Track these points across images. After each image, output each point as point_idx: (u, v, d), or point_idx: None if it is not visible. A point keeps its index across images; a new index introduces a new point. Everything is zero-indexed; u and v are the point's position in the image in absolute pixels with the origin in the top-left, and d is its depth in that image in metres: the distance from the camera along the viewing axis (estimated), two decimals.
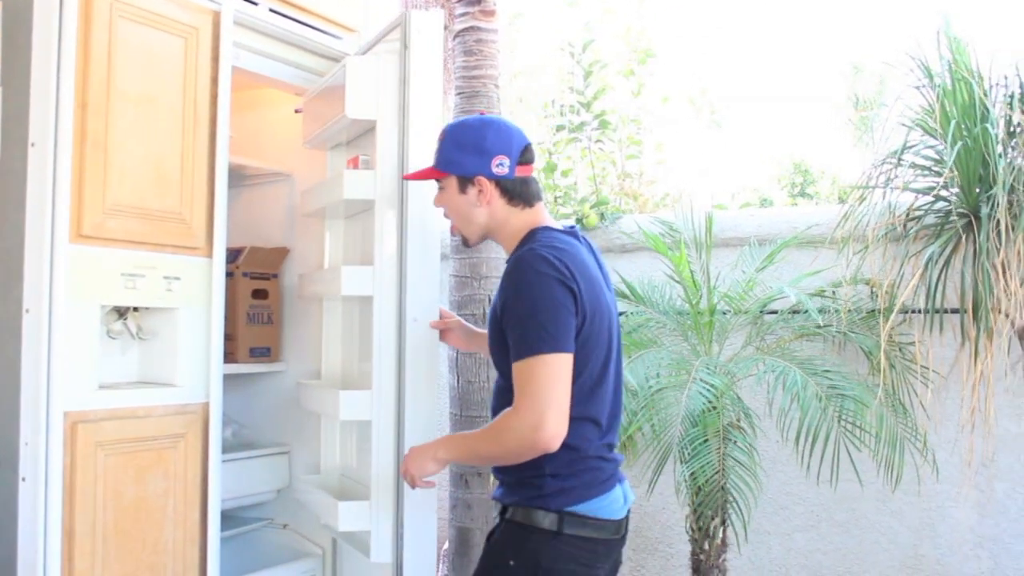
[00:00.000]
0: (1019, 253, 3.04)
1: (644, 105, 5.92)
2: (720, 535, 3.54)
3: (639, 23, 6.53)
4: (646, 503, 4.19)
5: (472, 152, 2.30)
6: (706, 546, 3.54)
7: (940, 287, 3.28)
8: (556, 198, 5.50)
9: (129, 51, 2.51)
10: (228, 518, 3.11)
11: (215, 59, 2.75)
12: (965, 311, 3.24)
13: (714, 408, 3.23)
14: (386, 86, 2.83)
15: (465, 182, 2.31)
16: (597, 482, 2.18)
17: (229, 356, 3.27)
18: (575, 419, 2.11)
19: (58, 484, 2.31)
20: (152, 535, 2.53)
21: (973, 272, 3.18)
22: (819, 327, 3.61)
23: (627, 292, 3.91)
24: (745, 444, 3.29)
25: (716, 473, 3.21)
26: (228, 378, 2.85)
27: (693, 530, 3.56)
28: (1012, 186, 3.09)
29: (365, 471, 2.87)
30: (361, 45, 3.18)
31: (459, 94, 4.22)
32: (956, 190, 3.29)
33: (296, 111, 3.44)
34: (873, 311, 3.54)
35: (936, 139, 3.34)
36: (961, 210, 3.24)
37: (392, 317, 2.76)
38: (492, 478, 2.69)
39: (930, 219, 3.42)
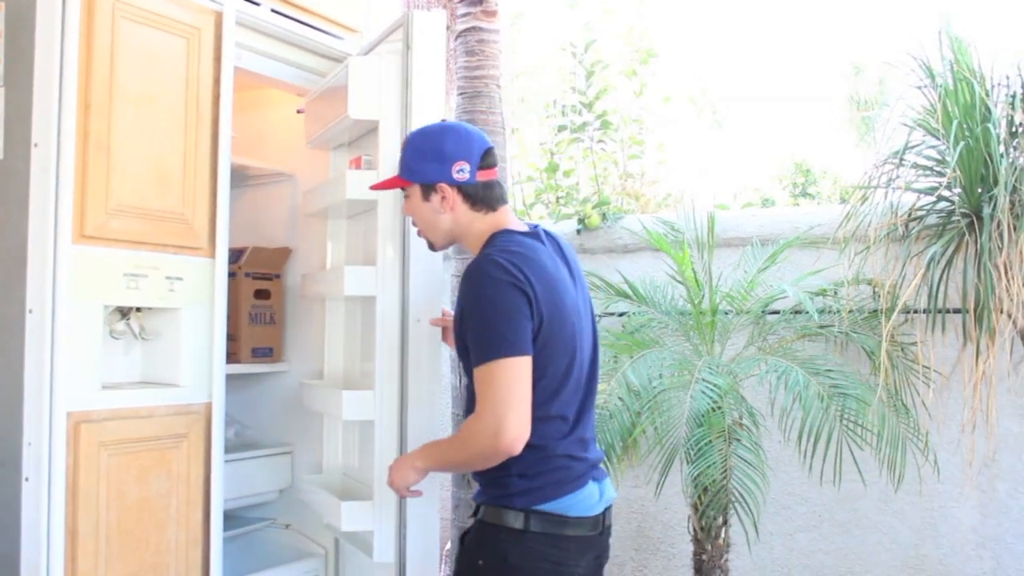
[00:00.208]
0: (1021, 253, 3.03)
1: (646, 105, 5.93)
2: (723, 535, 3.54)
3: (640, 23, 6.53)
4: (650, 504, 4.19)
5: (433, 159, 2.31)
6: (708, 546, 3.54)
7: (942, 287, 3.28)
8: (558, 198, 5.51)
9: (131, 51, 2.51)
10: (231, 518, 3.11)
11: (217, 59, 2.75)
12: (967, 311, 3.24)
13: (718, 408, 3.23)
14: (388, 86, 2.83)
15: (428, 189, 2.32)
16: (565, 480, 2.19)
17: (232, 356, 3.27)
18: (540, 419, 2.14)
19: (61, 484, 2.32)
20: (155, 535, 2.53)
21: (975, 272, 3.18)
22: (821, 327, 3.61)
23: (629, 292, 3.91)
24: (751, 443, 3.29)
25: (722, 473, 3.21)
26: (231, 378, 2.86)
27: (696, 530, 3.56)
28: (1014, 186, 3.09)
29: (368, 471, 2.87)
30: (363, 45, 3.18)
31: (461, 94, 4.22)
32: (958, 190, 3.29)
33: (298, 111, 3.44)
34: (875, 311, 3.54)
35: (938, 139, 3.34)
36: (963, 210, 3.24)
37: (395, 317, 2.76)
38: None
39: (932, 219, 3.42)
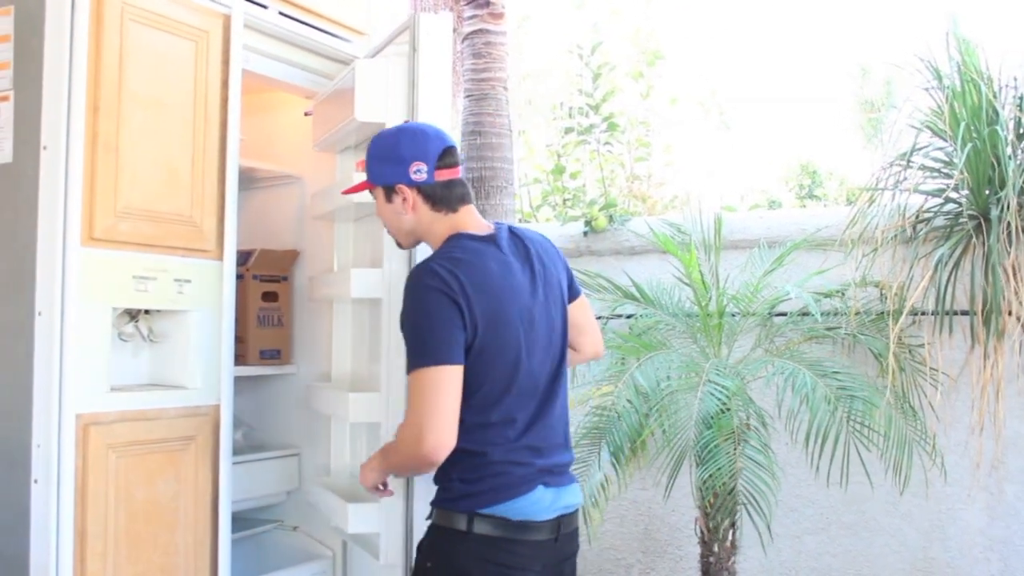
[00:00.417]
0: None
1: (653, 107, 5.93)
2: (730, 537, 3.53)
3: (647, 25, 6.54)
4: (657, 506, 4.19)
5: (390, 161, 2.31)
6: (716, 549, 3.54)
7: (950, 289, 3.28)
8: (565, 200, 5.51)
9: (140, 54, 2.52)
10: (238, 520, 3.11)
11: (225, 62, 2.76)
12: (975, 313, 3.23)
13: (727, 410, 3.23)
14: (395, 89, 2.83)
15: (389, 191, 2.32)
16: (505, 486, 2.17)
17: (239, 358, 3.27)
18: (480, 425, 2.16)
19: (70, 486, 2.32)
20: (163, 537, 2.54)
21: (983, 274, 3.17)
22: (828, 329, 3.60)
23: (636, 294, 3.90)
24: (760, 444, 3.28)
25: (731, 475, 3.21)
26: (238, 380, 2.86)
27: (703, 532, 3.56)
28: (1022, 188, 3.09)
29: None
30: (370, 48, 3.18)
31: (468, 96, 4.23)
32: (966, 192, 3.29)
33: (306, 114, 3.44)
34: (882, 313, 3.53)
35: (945, 141, 3.33)
36: (971, 212, 3.24)
37: None
38: None
39: (940, 221, 3.41)
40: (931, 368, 3.43)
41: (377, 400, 2.80)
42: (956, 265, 3.29)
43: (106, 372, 2.46)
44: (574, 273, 2.50)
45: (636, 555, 4.29)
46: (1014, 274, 3.06)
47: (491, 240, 2.28)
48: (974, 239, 3.21)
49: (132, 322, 2.68)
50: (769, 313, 3.71)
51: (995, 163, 3.16)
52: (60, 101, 2.36)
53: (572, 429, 3.65)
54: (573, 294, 2.45)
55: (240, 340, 3.37)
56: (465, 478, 2.19)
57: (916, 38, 3.48)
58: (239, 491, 3.01)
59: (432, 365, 2.09)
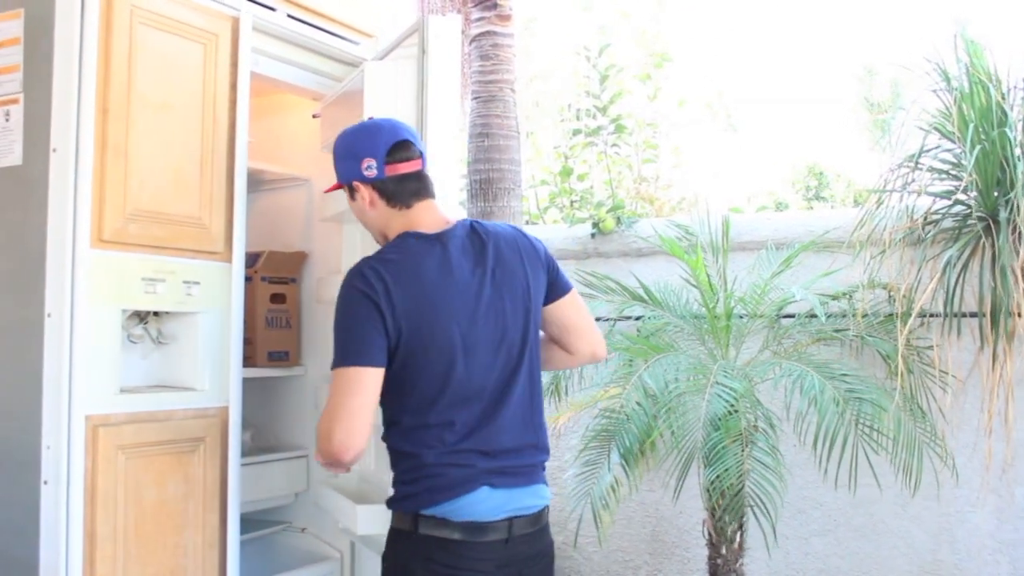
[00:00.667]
0: None
1: (660, 109, 5.93)
2: (738, 539, 3.53)
3: (654, 27, 6.55)
4: (664, 508, 4.19)
5: (347, 159, 2.32)
6: (724, 550, 3.53)
7: (958, 291, 3.27)
8: (572, 202, 5.51)
9: (149, 57, 2.53)
10: (247, 521, 3.12)
11: (234, 65, 2.77)
12: (984, 315, 3.23)
13: (734, 412, 3.23)
14: (404, 91, 2.84)
15: (351, 189, 2.32)
16: (441, 487, 2.15)
17: (248, 360, 3.28)
18: (417, 427, 2.17)
19: (80, 487, 2.33)
20: (172, 538, 2.54)
21: (992, 276, 3.17)
22: (836, 331, 3.60)
23: (644, 296, 3.90)
24: (768, 446, 3.28)
25: (738, 477, 3.20)
26: (247, 382, 2.87)
27: (711, 534, 3.55)
28: None
29: (383, 475, 2.88)
30: (379, 50, 3.19)
31: (476, 98, 4.24)
32: (974, 194, 3.28)
33: (314, 116, 3.45)
34: (891, 315, 3.53)
35: (954, 143, 3.33)
36: (979, 214, 3.23)
37: None
38: None
39: (948, 223, 3.41)
40: (940, 370, 3.42)
41: None
42: (965, 267, 3.29)
43: (115, 374, 2.47)
44: (564, 271, 2.40)
45: (644, 557, 4.29)
46: (1023, 276, 3.05)
47: (437, 239, 2.24)
48: (983, 241, 3.20)
49: (141, 324, 2.69)
50: (777, 315, 3.71)
51: (1004, 165, 3.16)
52: (70, 103, 2.37)
53: (580, 432, 3.68)
54: (558, 292, 2.37)
55: (248, 342, 3.38)
56: (404, 479, 2.21)
57: (923, 40, 3.48)
58: (247, 492, 3.02)
59: (348, 366, 2.11)
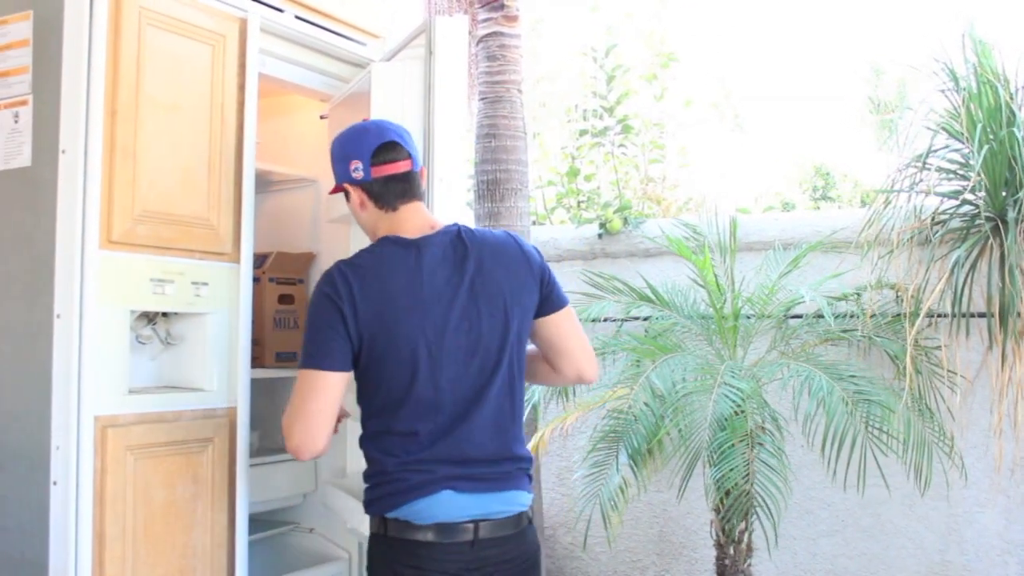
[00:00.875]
0: None
1: (667, 109, 5.93)
2: (745, 540, 3.53)
3: (661, 27, 6.54)
4: (672, 508, 4.19)
5: (339, 161, 2.33)
6: (731, 551, 3.53)
7: (967, 291, 3.27)
8: (579, 203, 5.51)
9: (157, 59, 2.53)
10: (255, 522, 3.12)
11: (242, 66, 2.76)
12: (992, 315, 3.22)
13: (741, 412, 3.23)
14: (411, 92, 2.84)
15: (344, 191, 2.34)
16: (401, 491, 2.16)
17: (256, 361, 3.29)
18: (380, 433, 2.21)
19: (89, 488, 2.33)
20: (181, 539, 2.54)
21: (1000, 276, 3.17)
22: (844, 331, 3.59)
23: (652, 296, 3.90)
24: (773, 448, 3.28)
25: (744, 477, 3.20)
26: (255, 383, 2.87)
27: (718, 535, 3.55)
28: None
29: None
30: (386, 51, 3.19)
31: (483, 99, 4.24)
32: (982, 194, 3.28)
33: (321, 117, 3.45)
34: (898, 315, 3.53)
35: (962, 143, 3.33)
36: (987, 214, 3.23)
37: None
38: None
39: (956, 223, 3.41)
40: (948, 370, 3.42)
41: None
42: (973, 267, 3.28)
43: (124, 374, 2.47)
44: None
45: (651, 557, 4.29)
46: None
47: (415, 246, 2.22)
48: (991, 241, 3.20)
49: (149, 325, 2.69)
50: (784, 315, 3.70)
51: (1012, 165, 3.16)
52: (78, 105, 2.37)
53: (588, 433, 3.67)
54: (549, 307, 2.31)
55: (256, 342, 3.38)
56: (370, 483, 2.24)
57: (930, 39, 3.48)
58: (256, 493, 3.01)
59: (310, 368, 2.15)
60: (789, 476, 3.28)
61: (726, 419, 3.20)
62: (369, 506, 2.23)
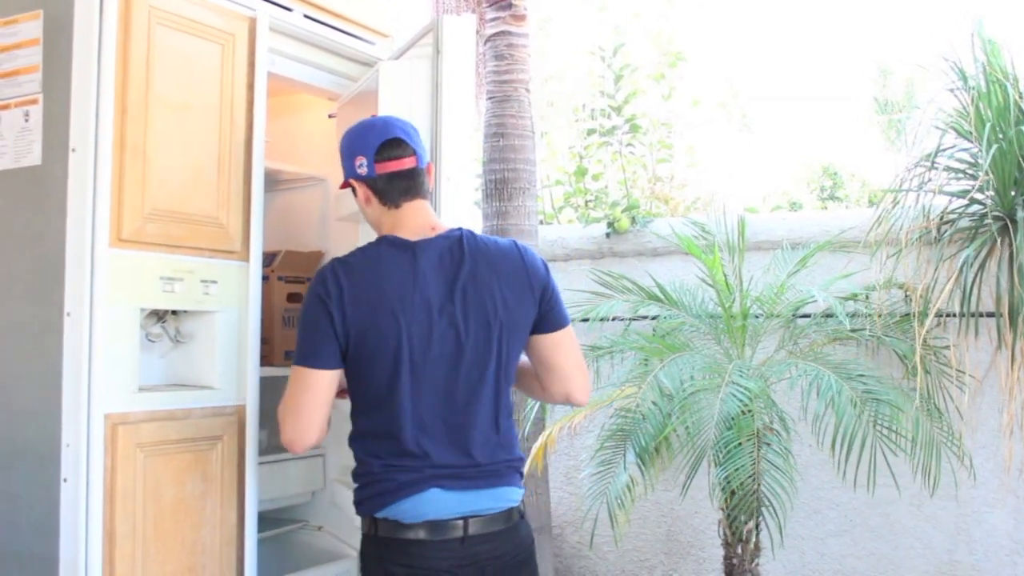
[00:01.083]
0: None
1: (675, 109, 5.93)
2: (753, 539, 3.53)
3: (668, 27, 6.54)
4: (680, 508, 4.19)
5: (345, 156, 2.34)
6: (739, 550, 3.53)
7: (975, 291, 3.27)
8: (587, 202, 5.51)
9: (167, 58, 2.54)
10: (264, 520, 3.12)
11: (251, 65, 2.77)
12: (1001, 315, 3.22)
13: (748, 411, 3.23)
14: (419, 91, 2.84)
15: (351, 187, 2.35)
16: (388, 491, 2.17)
17: (265, 359, 3.28)
18: (367, 434, 2.23)
19: (99, 485, 2.34)
20: (191, 536, 2.55)
21: (1009, 276, 3.16)
22: (852, 331, 3.59)
23: (660, 296, 3.90)
24: (780, 447, 3.28)
25: (750, 477, 3.20)
26: (264, 381, 2.87)
27: (726, 534, 3.55)
28: None
29: None
30: (394, 50, 3.19)
31: (490, 99, 4.24)
32: (991, 193, 3.28)
33: (330, 116, 3.46)
34: (907, 315, 3.52)
35: (970, 142, 3.32)
36: (996, 213, 3.22)
37: None
38: None
39: (964, 222, 3.40)
40: (957, 370, 3.42)
41: None
42: (981, 267, 3.28)
43: (134, 372, 2.48)
44: (562, 301, 2.31)
45: (659, 556, 4.29)
46: None
47: (410, 248, 2.21)
48: (999, 240, 3.20)
49: (159, 323, 2.70)
50: (793, 315, 3.70)
51: (1021, 164, 3.15)
52: (88, 104, 2.38)
53: (596, 431, 3.68)
54: (547, 326, 2.28)
55: (265, 341, 3.38)
56: (358, 483, 2.25)
57: (939, 38, 3.47)
58: (265, 491, 3.02)
59: (301, 365, 2.18)
60: (796, 476, 3.27)
61: (733, 418, 3.20)
62: (359, 506, 2.24)
